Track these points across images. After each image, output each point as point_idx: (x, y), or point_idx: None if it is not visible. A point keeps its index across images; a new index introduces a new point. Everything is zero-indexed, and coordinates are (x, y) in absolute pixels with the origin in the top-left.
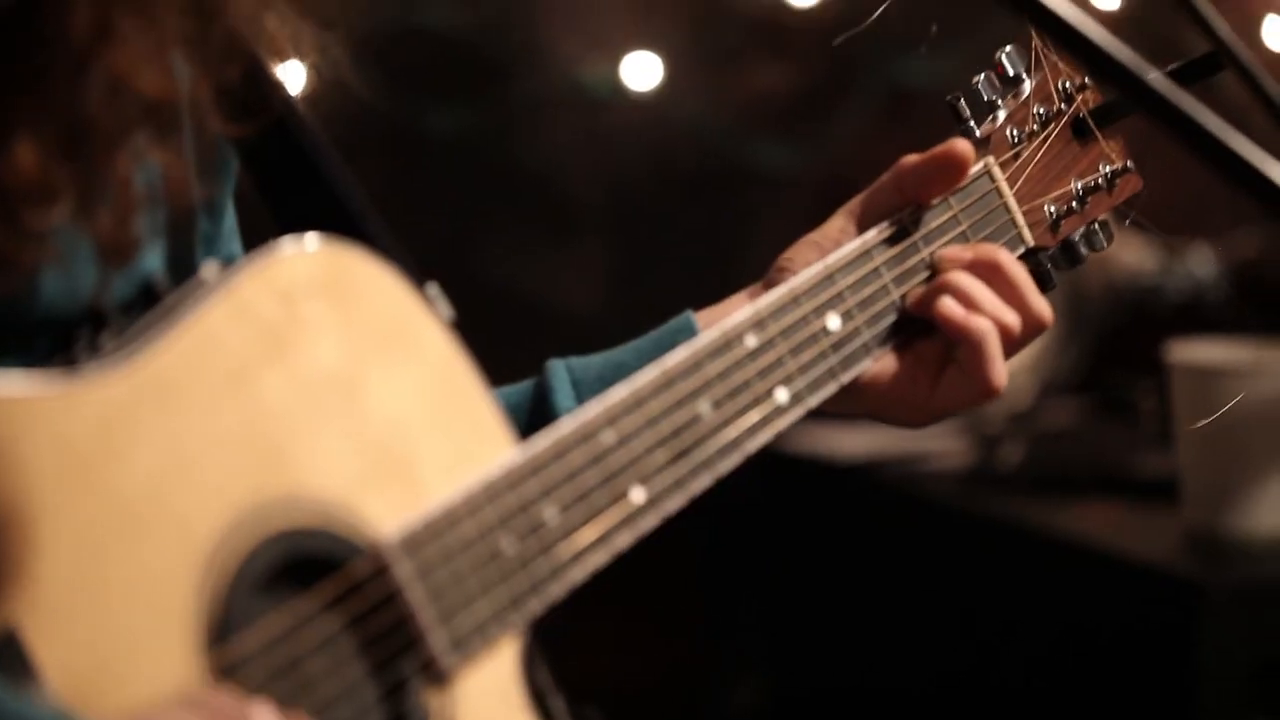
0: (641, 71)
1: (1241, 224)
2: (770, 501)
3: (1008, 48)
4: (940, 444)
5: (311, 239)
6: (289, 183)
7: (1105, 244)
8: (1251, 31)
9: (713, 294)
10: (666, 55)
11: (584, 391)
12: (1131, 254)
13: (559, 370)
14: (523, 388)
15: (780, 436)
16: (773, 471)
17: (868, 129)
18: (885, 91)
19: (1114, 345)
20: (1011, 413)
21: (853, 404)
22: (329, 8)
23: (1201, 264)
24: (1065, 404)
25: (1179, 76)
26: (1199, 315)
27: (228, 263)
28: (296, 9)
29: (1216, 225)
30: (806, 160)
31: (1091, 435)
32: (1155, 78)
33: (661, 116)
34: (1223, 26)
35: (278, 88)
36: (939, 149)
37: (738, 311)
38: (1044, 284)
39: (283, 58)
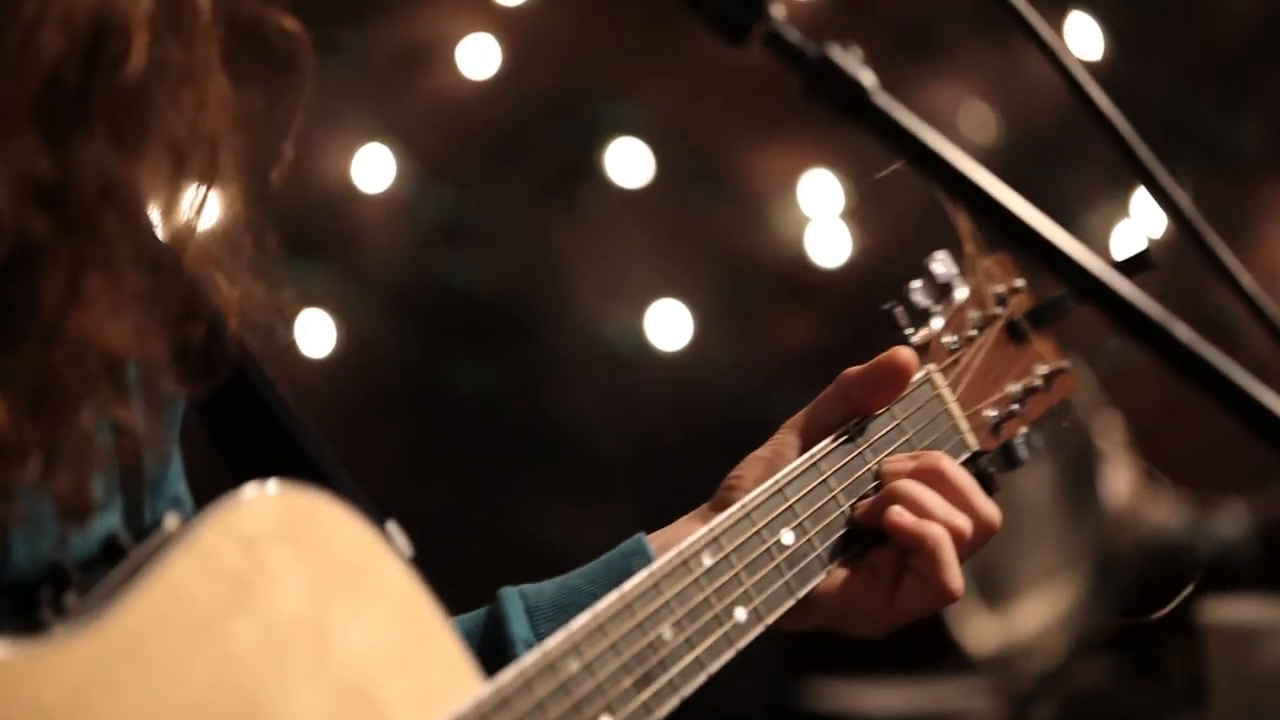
0: (668, 328)
1: (1271, 482)
2: None
3: (938, 254)
4: (971, 703)
5: (270, 484)
6: (242, 428)
7: (1041, 444)
8: (1274, 284)
9: None
10: (694, 311)
11: (538, 618)
12: (1161, 511)
13: (513, 598)
14: (474, 616)
15: (808, 694)
16: None
17: None
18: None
19: (1144, 604)
20: (1042, 672)
21: (811, 618)
22: (361, 265)
23: (1231, 522)
24: (1096, 663)
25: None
26: (1229, 573)
27: (175, 503)
28: (324, 267)
29: (1246, 483)
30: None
31: (1123, 694)
32: (1097, 266)
33: (688, 373)
34: (1247, 280)
35: (231, 342)
36: (881, 358)
37: (693, 532)
38: (988, 488)
39: (239, 317)
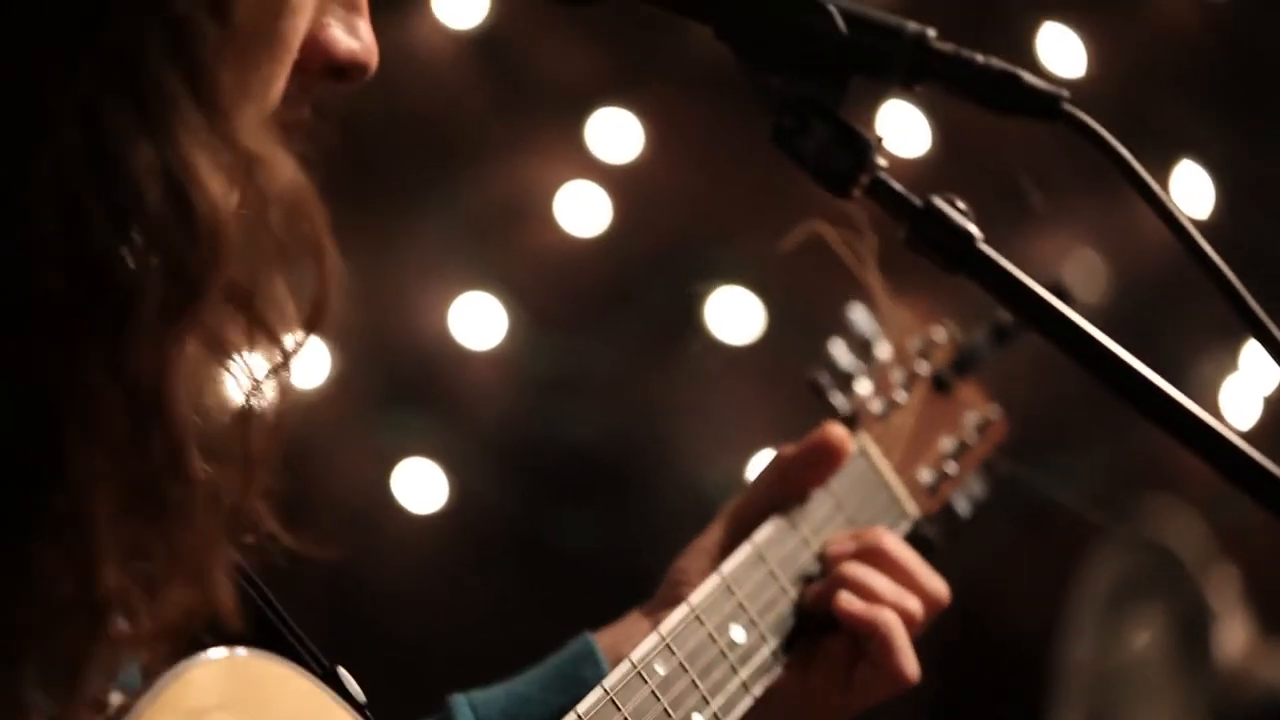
0: None
1: None
2: None
3: (855, 309)
4: None
5: (210, 651)
6: None
7: (980, 495)
8: None
9: None
10: None
11: None
12: (1277, 668)
13: (462, 707)
14: None
15: None
16: None
17: (1003, 543)
18: (1020, 505)
19: None
20: None
21: (770, 714)
22: (469, 419)
23: None
24: None
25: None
26: None
27: None
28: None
29: None
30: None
31: None
32: (1210, 421)
33: None
34: None
35: None
36: (814, 437)
37: (643, 640)
38: (927, 552)
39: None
